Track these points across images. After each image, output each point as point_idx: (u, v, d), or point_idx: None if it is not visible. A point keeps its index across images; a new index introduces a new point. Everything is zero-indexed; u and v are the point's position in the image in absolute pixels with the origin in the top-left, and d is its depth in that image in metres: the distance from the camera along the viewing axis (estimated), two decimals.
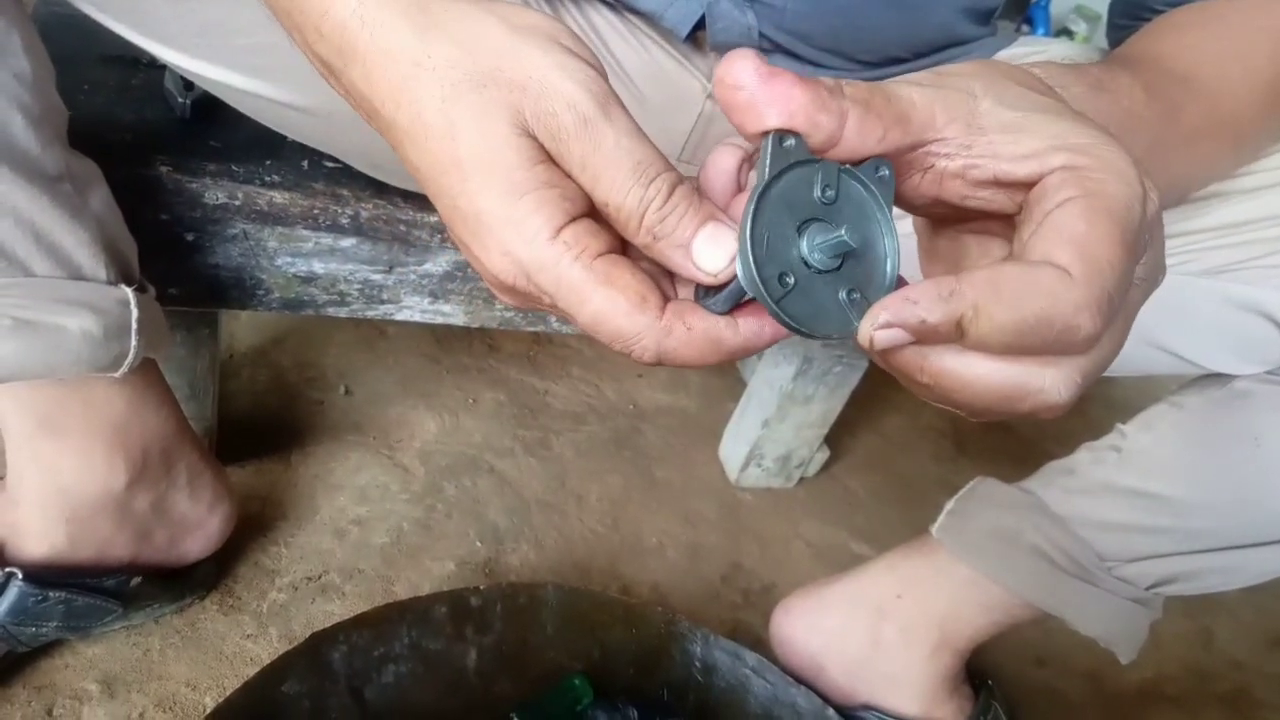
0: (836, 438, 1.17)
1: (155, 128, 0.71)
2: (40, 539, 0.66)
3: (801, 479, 1.15)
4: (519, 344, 1.19)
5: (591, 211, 0.35)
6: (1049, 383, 0.31)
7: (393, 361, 1.08)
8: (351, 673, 0.71)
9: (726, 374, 1.26)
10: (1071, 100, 0.36)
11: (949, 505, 0.81)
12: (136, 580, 0.70)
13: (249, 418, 0.95)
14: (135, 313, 0.61)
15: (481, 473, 0.99)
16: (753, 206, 0.32)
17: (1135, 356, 0.68)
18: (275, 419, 0.97)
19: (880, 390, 1.27)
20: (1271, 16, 0.54)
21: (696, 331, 0.35)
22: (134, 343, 0.62)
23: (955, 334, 0.30)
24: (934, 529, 0.81)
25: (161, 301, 0.73)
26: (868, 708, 0.83)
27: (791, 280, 0.32)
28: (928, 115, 0.33)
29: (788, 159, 0.32)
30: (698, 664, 0.83)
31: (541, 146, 0.34)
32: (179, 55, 0.59)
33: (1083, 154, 0.32)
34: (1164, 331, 0.66)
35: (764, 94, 0.32)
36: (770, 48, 0.63)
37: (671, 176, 0.34)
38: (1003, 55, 0.69)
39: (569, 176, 0.35)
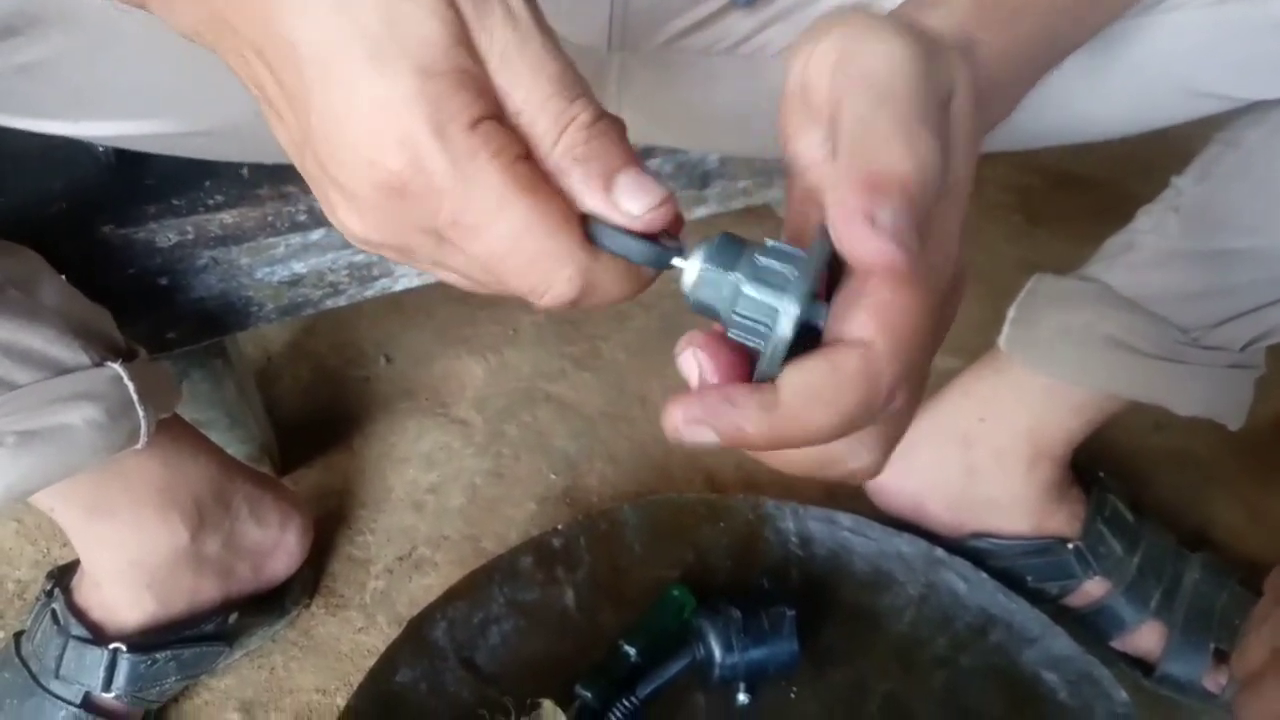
0: None
1: (87, 187, 0.69)
2: (131, 609, 0.69)
3: None
4: None
5: (502, 117, 0.30)
6: (855, 451, 0.31)
7: (424, 316, 1.07)
8: (458, 645, 0.73)
9: (765, 223, 1.20)
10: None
11: (1010, 313, 0.76)
12: (234, 616, 0.73)
13: (304, 416, 0.96)
14: (131, 385, 0.61)
15: (538, 403, 0.98)
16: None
17: (1178, 109, 0.60)
18: (328, 409, 0.97)
19: None
20: None
21: (621, 260, 0.31)
22: (141, 413, 0.61)
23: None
24: (1001, 341, 0.76)
25: (163, 349, 0.73)
26: (978, 535, 0.81)
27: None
28: None
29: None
30: (794, 540, 0.82)
31: (464, 25, 0.29)
32: (58, 124, 0.55)
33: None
34: (1203, 76, 0.57)
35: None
36: None
37: (597, 105, 0.31)
38: None
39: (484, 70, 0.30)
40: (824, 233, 0.29)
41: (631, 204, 0.30)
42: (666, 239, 0.31)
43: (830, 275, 0.31)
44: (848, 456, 0.32)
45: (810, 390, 0.28)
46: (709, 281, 0.30)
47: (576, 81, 0.30)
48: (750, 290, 0.29)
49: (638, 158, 0.31)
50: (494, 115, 0.29)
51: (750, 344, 0.30)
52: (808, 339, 0.29)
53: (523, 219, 0.29)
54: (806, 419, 0.28)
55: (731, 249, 0.30)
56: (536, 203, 0.29)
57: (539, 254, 0.29)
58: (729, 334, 0.31)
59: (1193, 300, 0.66)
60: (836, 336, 0.29)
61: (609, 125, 0.31)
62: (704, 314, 0.31)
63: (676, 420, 0.29)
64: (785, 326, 0.28)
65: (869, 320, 0.28)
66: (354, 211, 0.31)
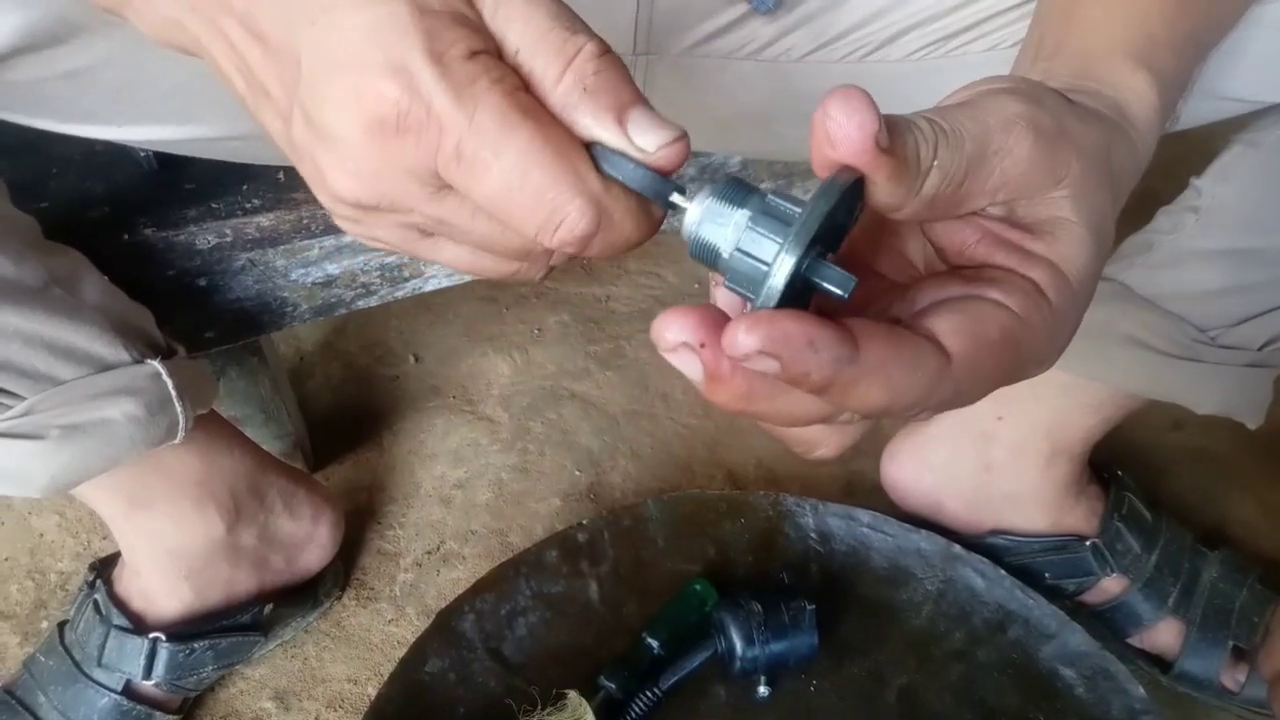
0: None
1: (129, 191, 0.71)
2: (170, 599, 0.71)
3: None
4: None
5: (501, 56, 0.29)
6: (829, 441, 0.33)
7: (452, 315, 1.09)
8: (485, 636, 0.75)
9: None
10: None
11: None
12: (269, 607, 0.75)
13: (335, 413, 0.98)
14: (170, 381, 0.63)
15: (563, 401, 1.00)
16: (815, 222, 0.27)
17: (1194, 111, 0.60)
18: (358, 406, 0.99)
19: None
20: None
21: (632, 195, 0.29)
22: (179, 408, 0.63)
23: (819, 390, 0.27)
24: None
25: (201, 347, 0.75)
26: (995, 532, 0.82)
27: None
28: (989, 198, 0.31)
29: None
30: (813, 535, 0.83)
31: None
32: (103, 128, 0.57)
33: (1059, 289, 0.30)
34: (1217, 78, 0.58)
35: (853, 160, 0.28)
36: None
37: (599, 39, 0.29)
38: None
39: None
40: (834, 179, 0.28)
41: (646, 138, 0.28)
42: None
43: (836, 229, 0.30)
44: (821, 442, 0.33)
45: (883, 365, 0.27)
46: (714, 215, 0.29)
47: (574, 17, 0.29)
48: (757, 224, 0.28)
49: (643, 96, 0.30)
50: (492, 53, 0.29)
51: (743, 293, 0.29)
52: (804, 291, 0.28)
53: (530, 145, 0.27)
54: (865, 388, 0.27)
55: (739, 190, 0.29)
56: (542, 128, 0.28)
57: (549, 182, 0.28)
58: (725, 283, 0.29)
59: (1211, 299, 0.67)
60: (924, 322, 0.29)
61: (616, 59, 0.29)
62: (701, 258, 0.30)
63: (737, 337, 0.25)
64: (792, 257, 0.27)
65: (965, 342, 0.28)
66: (342, 165, 0.29)
